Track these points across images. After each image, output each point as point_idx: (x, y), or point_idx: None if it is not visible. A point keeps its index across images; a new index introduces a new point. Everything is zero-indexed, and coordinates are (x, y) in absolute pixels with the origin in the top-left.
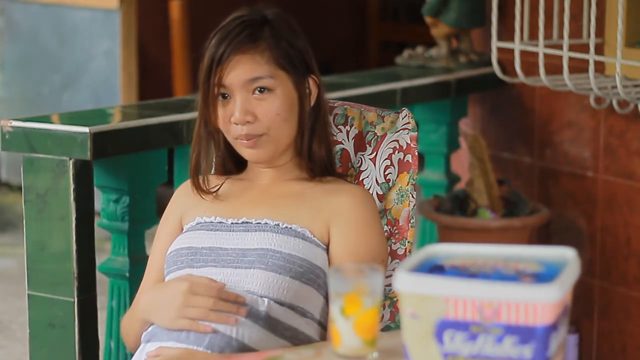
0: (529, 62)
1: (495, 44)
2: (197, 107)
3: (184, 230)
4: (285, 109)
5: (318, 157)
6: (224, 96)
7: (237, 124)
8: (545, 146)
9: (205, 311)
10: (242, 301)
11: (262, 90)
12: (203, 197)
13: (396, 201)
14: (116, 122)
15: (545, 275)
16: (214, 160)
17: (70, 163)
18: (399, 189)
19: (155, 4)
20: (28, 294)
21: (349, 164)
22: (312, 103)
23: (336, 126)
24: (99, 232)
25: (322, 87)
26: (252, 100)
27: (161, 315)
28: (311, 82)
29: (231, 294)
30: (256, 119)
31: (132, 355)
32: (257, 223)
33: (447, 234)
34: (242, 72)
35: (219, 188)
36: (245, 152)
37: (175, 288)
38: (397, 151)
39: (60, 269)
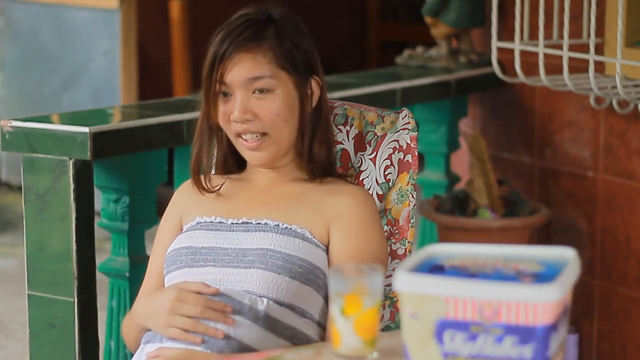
0: (529, 62)
1: (495, 44)
2: (201, 102)
3: (183, 230)
4: (285, 110)
5: (318, 159)
6: (225, 94)
7: (236, 122)
8: (545, 146)
9: (193, 322)
10: (229, 311)
11: (262, 90)
12: (203, 194)
13: (396, 201)
14: (116, 122)
15: (545, 275)
16: (214, 159)
17: (70, 163)
18: (399, 189)
19: (155, 4)
20: (28, 294)
21: (349, 164)
22: (314, 104)
23: (336, 126)
24: (99, 232)
25: (325, 89)
26: (252, 99)
27: (154, 322)
28: (314, 83)
29: (219, 303)
30: (256, 117)
31: (132, 355)
32: (257, 223)
33: (447, 234)
34: (243, 70)
35: (220, 187)
36: (246, 153)
37: (166, 295)
38: (397, 151)
39: (60, 269)
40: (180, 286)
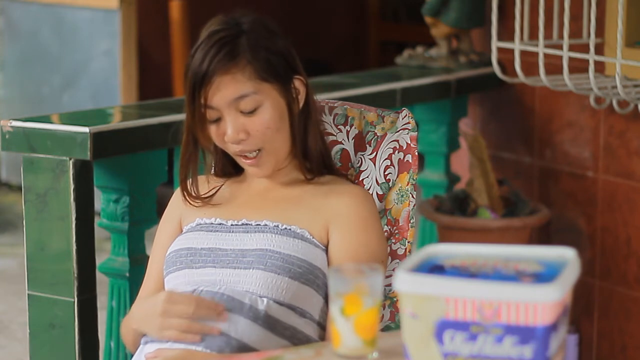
0: (529, 62)
1: (495, 44)
2: (184, 121)
3: (183, 231)
4: (276, 120)
5: (315, 155)
6: (216, 120)
7: (231, 143)
8: (545, 146)
9: (187, 322)
10: (221, 309)
11: (250, 110)
12: (194, 204)
13: (396, 201)
14: (116, 122)
15: (545, 275)
16: (213, 161)
17: (70, 163)
18: (399, 189)
19: (155, 4)
20: (28, 294)
21: (349, 164)
22: (302, 104)
23: (336, 126)
24: (99, 232)
25: (309, 85)
26: (241, 117)
27: (148, 327)
28: (297, 82)
29: (211, 302)
30: (249, 136)
31: (132, 356)
32: (257, 224)
33: (447, 234)
34: (226, 93)
35: (213, 195)
36: (248, 168)
37: (156, 299)
38: (397, 151)
39: (60, 269)
40: (170, 291)
